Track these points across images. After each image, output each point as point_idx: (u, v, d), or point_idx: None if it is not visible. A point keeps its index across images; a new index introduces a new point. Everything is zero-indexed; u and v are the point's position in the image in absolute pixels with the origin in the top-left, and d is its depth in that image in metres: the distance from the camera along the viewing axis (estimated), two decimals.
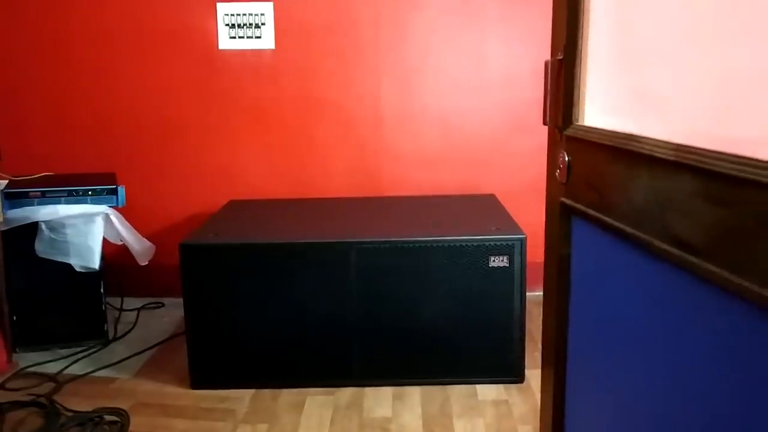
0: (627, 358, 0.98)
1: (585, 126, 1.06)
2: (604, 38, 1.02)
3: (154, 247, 2.96)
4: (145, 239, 2.93)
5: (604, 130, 0.99)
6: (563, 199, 1.12)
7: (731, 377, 0.74)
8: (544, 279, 1.25)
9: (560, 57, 1.10)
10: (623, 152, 0.92)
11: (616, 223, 0.95)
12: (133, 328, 3.02)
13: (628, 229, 0.92)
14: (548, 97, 1.14)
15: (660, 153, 0.82)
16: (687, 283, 0.79)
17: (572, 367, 1.17)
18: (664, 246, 0.82)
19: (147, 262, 2.94)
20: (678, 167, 0.79)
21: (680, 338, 0.83)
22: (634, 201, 0.91)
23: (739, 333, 0.72)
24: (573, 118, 1.08)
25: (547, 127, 1.20)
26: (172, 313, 3.20)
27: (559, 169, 1.12)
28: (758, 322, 0.69)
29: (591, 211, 1.03)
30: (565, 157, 1.10)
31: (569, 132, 1.09)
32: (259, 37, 3.14)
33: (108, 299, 2.90)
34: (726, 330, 0.74)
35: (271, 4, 3.11)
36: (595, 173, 1.01)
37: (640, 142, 0.87)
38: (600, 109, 1.04)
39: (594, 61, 1.05)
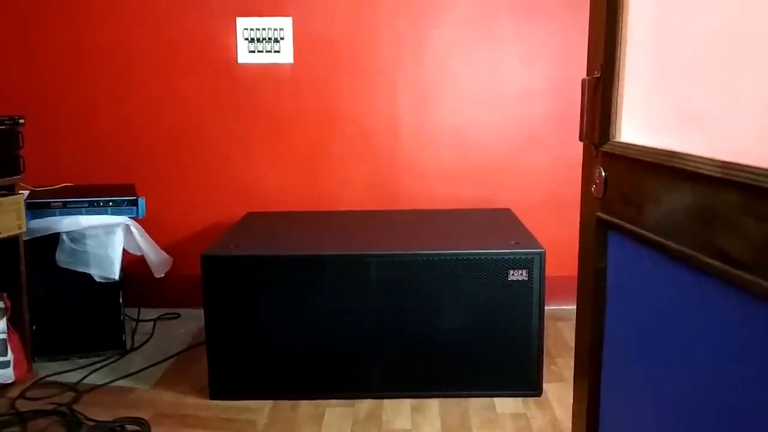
0: (666, 372, 1.00)
1: (623, 142, 1.08)
2: (642, 57, 1.05)
3: (171, 259, 2.98)
4: (162, 251, 2.95)
5: (643, 146, 1.01)
6: (599, 214, 1.14)
7: None
8: (578, 292, 1.27)
9: (597, 75, 1.12)
10: (665, 168, 0.94)
11: (656, 238, 0.97)
12: (149, 338, 3.03)
13: (669, 244, 0.94)
14: (584, 114, 1.17)
15: (706, 170, 0.84)
16: (733, 297, 0.81)
17: (606, 379, 1.19)
18: (710, 260, 0.84)
19: (163, 275, 2.96)
20: (725, 184, 0.81)
21: (725, 353, 0.85)
22: (675, 216, 0.93)
23: None
24: (610, 134, 1.11)
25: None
26: (188, 324, 3.21)
27: (595, 184, 1.15)
28: None
29: (629, 226, 1.05)
30: (601, 173, 1.12)
31: (606, 148, 1.11)
32: (278, 52, 3.18)
33: (124, 309, 2.91)
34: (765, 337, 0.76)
35: (290, 18, 3.15)
36: (634, 189, 1.04)
37: (684, 159, 0.89)
38: (638, 127, 1.07)
39: (631, 80, 1.08)
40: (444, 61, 3.19)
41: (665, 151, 0.94)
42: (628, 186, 1.05)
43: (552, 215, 3.23)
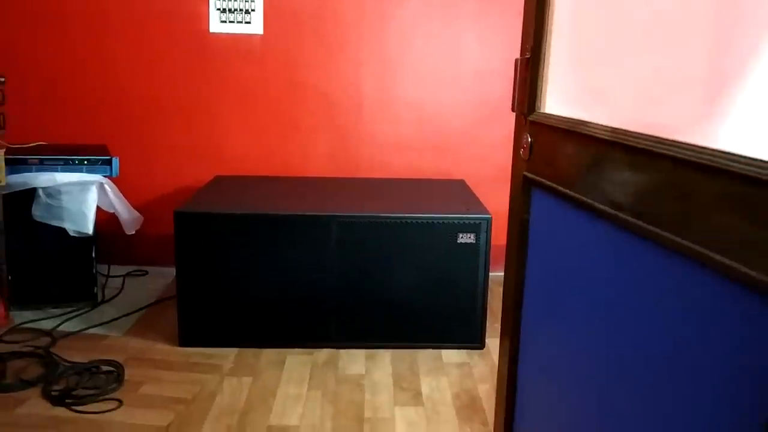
0: (574, 305, 1.23)
1: (546, 113, 1.30)
2: (563, 44, 1.26)
3: (142, 217, 3.13)
4: (134, 210, 3.10)
5: (560, 116, 1.23)
6: (525, 173, 1.36)
7: (653, 312, 0.99)
8: (507, 241, 1.49)
9: (528, 56, 1.33)
10: (574, 134, 1.16)
11: (565, 190, 1.19)
12: (119, 292, 3.19)
13: (574, 194, 1.16)
14: (516, 88, 1.38)
15: (600, 134, 1.06)
16: (619, 237, 1.04)
17: (526, 326, 1.42)
18: (602, 207, 1.06)
19: (134, 232, 3.12)
20: (613, 145, 1.03)
21: (617, 287, 1.08)
22: (580, 172, 1.15)
23: (651, 270, 0.97)
24: (536, 106, 1.32)
25: (514, 114, 1.44)
26: (155, 280, 3.38)
27: (523, 148, 1.36)
28: (662, 258, 0.93)
29: (547, 182, 1.27)
30: (528, 139, 1.34)
31: (533, 117, 1.33)
32: (249, 23, 3.33)
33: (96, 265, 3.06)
34: (643, 269, 0.99)
35: None
36: (552, 151, 1.26)
37: (586, 125, 1.11)
38: (558, 100, 1.28)
39: (554, 61, 1.29)
40: (406, 38, 3.38)
41: (574, 119, 1.16)
42: (548, 149, 1.27)
43: (502, 187, 3.46)
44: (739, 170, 0.82)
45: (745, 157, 0.83)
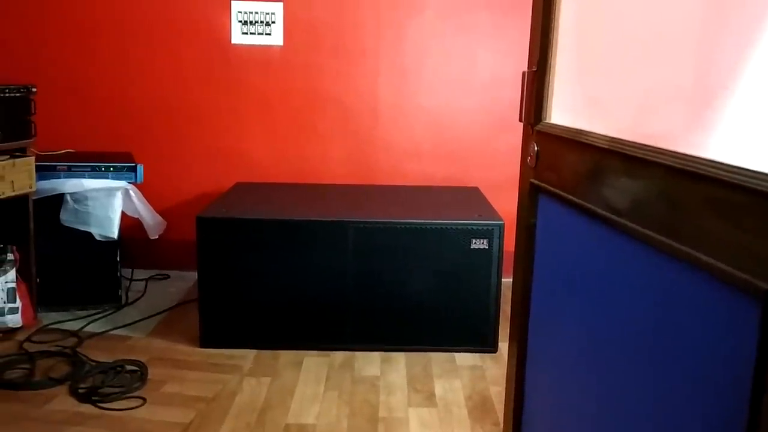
0: (577, 307, 1.29)
1: (551, 123, 1.37)
2: (566, 58, 1.33)
3: (165, 222, 3.24)
4: (157, 215, 3.20)
5: (563, 126, 1.30)
6: (532, 180, 1.43)
7: (651, 312, 1.05)
8: (516, 245, 1.55)
9: (534, 69, 1.40)
10: (575, 143, 1.23)
11: (567, 196, 1.26)
12: (142, 295, 3.29)
13: (578, 201, 1.22)
14: (524, 99, 1.45)
15: (599, 143, 1.13)
16: (617, 239, 1.10)
17: (534, 324, 1.48)
18: (602, 212, 1.13)
19: (157, 236, 3.22)
20: (610, 153, 1.10)
21: (616, 286, 1.14)
22: (582, 179, 1.22)
23: (647, 272, 1.03)
24: (542, 116, 1.39)
25: (522, 123, 1.51)
26: (177, 284, 3.47)
27: (530, 156, 1.43)
28: (656, 260, 1.00)
29: (552, 189, 1.33)
30: (534, 147, 1.41)
31: (539, 127, 1.40)
32: (269, 34, 3.43)
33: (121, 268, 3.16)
34: (640, 271, 1.05)
35: (281, 4, 3.40)
36: (556, 159, 1.32)
37: (586, 135, 1.18)
38: (562, 110, 1.35)
39: (559, 74, 1.36)
40: (422, 48, 3.46)
41: (576, 129, 1.23)
42: (552, 157, 1.34)
43: (515, 195, 3.53)
44: (726, 178, 0.88)
45: (731, 166, 0.89)
